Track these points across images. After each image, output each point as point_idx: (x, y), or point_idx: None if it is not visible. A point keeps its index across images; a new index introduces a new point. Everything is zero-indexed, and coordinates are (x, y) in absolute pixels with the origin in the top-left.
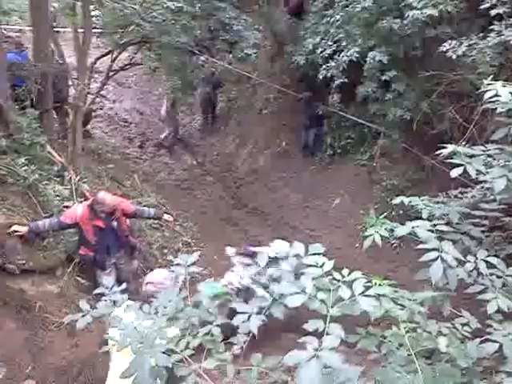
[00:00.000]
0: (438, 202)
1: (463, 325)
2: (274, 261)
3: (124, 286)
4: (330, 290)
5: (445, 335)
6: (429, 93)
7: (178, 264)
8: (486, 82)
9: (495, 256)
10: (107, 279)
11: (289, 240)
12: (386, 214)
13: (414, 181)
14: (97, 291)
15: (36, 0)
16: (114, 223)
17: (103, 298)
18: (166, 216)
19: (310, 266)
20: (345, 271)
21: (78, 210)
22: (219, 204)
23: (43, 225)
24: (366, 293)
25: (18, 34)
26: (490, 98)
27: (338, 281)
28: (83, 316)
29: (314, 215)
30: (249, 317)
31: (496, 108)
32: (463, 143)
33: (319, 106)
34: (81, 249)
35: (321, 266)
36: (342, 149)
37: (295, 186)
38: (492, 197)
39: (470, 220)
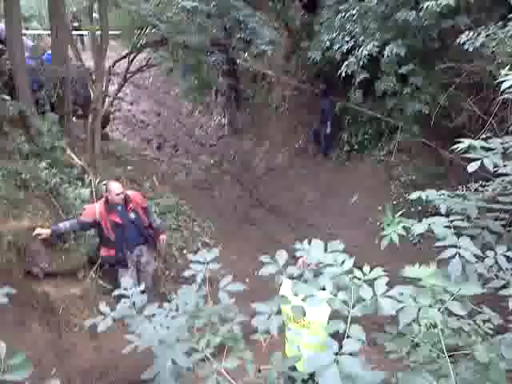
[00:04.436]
0: (457, 196)
1: (485, 321)
2: None
3: (143, 286)
4: (350, 290)
5: (466, 332)
6: (446, 85)
7: (197, 261)
8: (503, 72)
9: None
10: (128, 280)
11: (307, 238)
12: (403, 210)
13: (432, 175)
14: (116, 292)
15: (55, 6)
16: (132, 215)
17: (123, 299)
18: (162, 236)
19: (329, 264)
20: (366, 268)
21: (96, 206)
22: (237, 203)
23: (64, 226)
24: (388, 293)
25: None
26: (508, 88)
27: (359, 279)
28: (103, 319)
29: (332, 212)
30: (269, 317)
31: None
32: (482, 135)
33: (331, 100)
34: (102, 250)
35: (341, 265)
36: (359, 145)
37: (313, 183)
38: None
39: (490, 214)
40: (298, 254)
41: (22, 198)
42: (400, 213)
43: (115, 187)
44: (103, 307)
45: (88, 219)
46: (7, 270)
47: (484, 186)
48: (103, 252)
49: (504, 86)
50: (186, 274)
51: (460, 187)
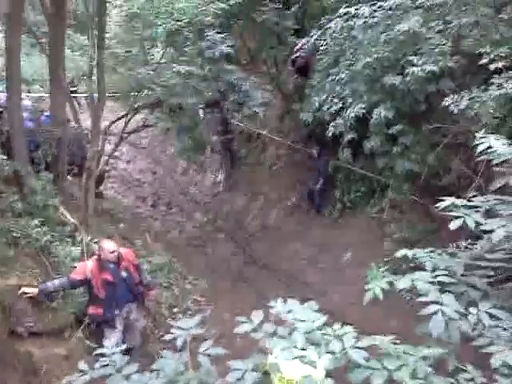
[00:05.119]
0: (445, 254)
1: (468, 380)
2: None
3: (124, 347)
4: (320, 345)
5: None
6: (435, 145)
7: (179, 327)
8: (478, 135)
9: (502, 308)
10: (113, 339)
11: (300, 297)
12: (395, 266)
13: (424, 232)
14: (98, 351)
15: (54, 70)
16: (124, 274)
17: (102, 358)
18: (152, 292)
19: (302, 321)
20: (336, 326)
21: (87, 264)
22: (230, 261)
23: (53, 285)
24: (357, 345)
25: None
26: (483, 150)
27: (330, 335)
28: (81, 375)
29: (326, 270)
30: (243, 374)
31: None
32: (470, 193)
33: (328, 160)
34: (90, 308)
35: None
36: (352, 202)
37: (306, 240)
38: (501, 246)
39: (477, 271)
40: (272, 311)
41: (11, 255)
42: (384, 268)
43: (109, 245)
44: (82, 365)
45: (79, 277)
46: None
47: (473, 244)
48: (91, 310)
49: (478, 149)
50: (167, 337)
51: (451, 244)
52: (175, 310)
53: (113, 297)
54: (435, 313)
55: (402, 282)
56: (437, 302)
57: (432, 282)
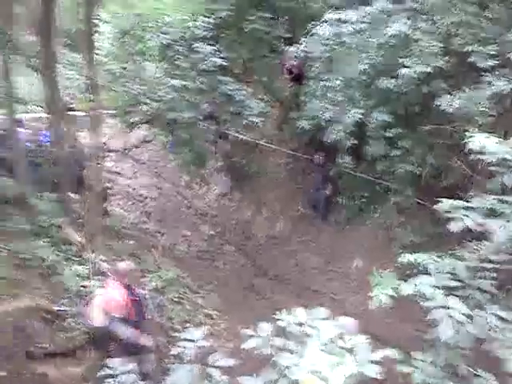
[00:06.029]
0: (453, 256)
1: None
2: None
3: (131, 366)
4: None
5: None
6: (434, 146)
7: (186, 339)
8: (468, 134)
9: (510, 309)
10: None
11: (312, 306)
12: (409, 271)
13: (431, 235)
14: (103, 373)
15: (50, 90)
16: (138, 292)
17: (108, 379)
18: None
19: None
20: (347, 336)
21: (116, 296)
22: (241, 273)
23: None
24: (371, 358)
25: None
26: (475, 149)
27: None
28: None
29: (336, 278)
30: None
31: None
32: (471, 193)
33: (330, 167)
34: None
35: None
36: (357, 208)
37: (315, 249)
38: (504, 247)
39: (483, 273)
40: (279, 323)
41: (20, 277)
42: (391, 272)
43: (131, 265)
44: None
45: (123, 311)
46: (8, 350)
47: (479, 246)
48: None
49: (470, 147)
50: (175, 351)
51: (458, 247)
52: (188, 324)
53: (140, 316)
54: (443, 317)
55: (406, 288)
56: (443, 306)
57: (436, 286)
